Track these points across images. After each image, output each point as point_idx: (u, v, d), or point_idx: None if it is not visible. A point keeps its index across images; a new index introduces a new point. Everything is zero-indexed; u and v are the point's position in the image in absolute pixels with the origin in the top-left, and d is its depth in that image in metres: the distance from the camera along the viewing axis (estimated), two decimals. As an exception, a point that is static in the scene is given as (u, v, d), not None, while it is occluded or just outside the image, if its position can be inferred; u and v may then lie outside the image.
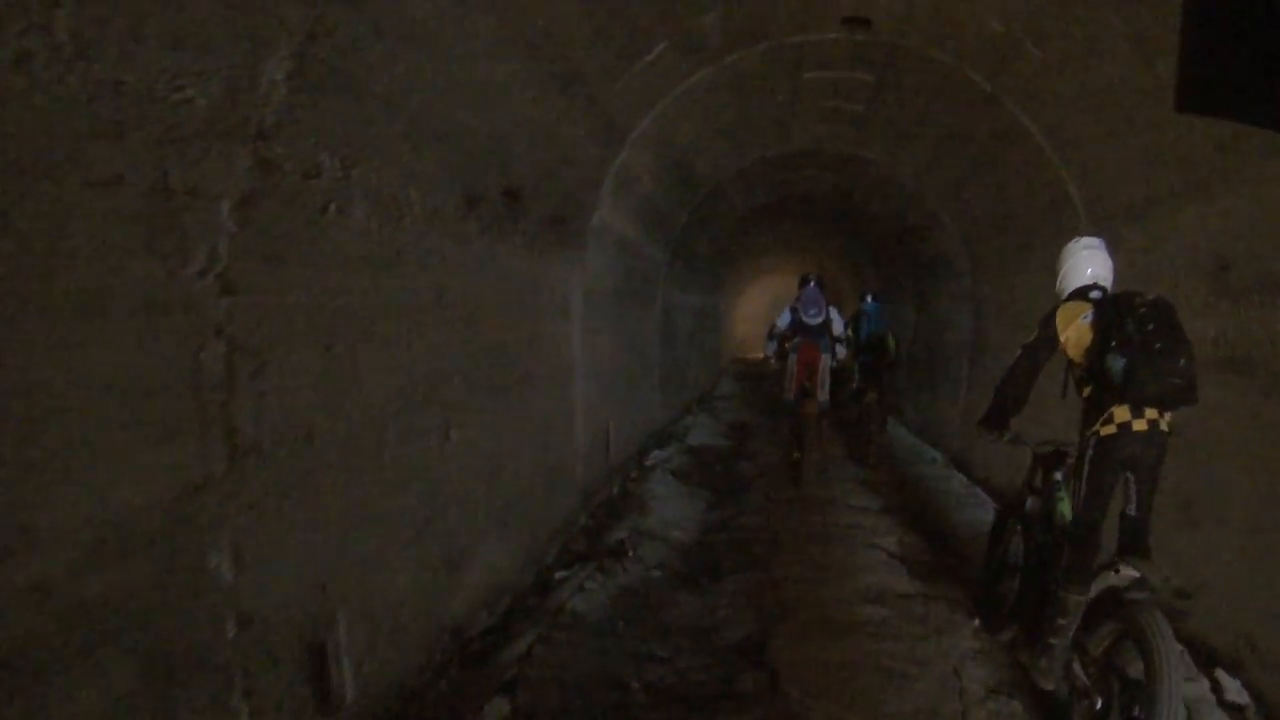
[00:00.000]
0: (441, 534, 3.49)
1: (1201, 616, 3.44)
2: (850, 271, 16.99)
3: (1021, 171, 6.10)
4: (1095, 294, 3.19)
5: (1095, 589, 3.03)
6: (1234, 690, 3.30)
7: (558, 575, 4.70)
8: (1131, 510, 3.01)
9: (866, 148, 8.41)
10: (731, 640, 3.83)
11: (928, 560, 5.13)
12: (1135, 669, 2.70)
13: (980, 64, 5.20)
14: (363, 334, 2.93)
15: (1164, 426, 2.92)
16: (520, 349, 4.51)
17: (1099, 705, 2.87)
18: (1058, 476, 3.46)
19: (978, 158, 6.74)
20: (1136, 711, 2.66)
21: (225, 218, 2.22)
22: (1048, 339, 3.23)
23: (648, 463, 8.04)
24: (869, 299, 8.88)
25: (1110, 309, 2.97)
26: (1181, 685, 2.50)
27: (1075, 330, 3.14)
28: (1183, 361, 2.75)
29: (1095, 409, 3.05)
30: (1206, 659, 3.54)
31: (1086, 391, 3.15)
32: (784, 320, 7.34)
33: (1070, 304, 3.23)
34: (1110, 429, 2.95)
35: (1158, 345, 2.76)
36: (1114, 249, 3.46)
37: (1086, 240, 3.35)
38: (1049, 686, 3.19)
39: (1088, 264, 3.26)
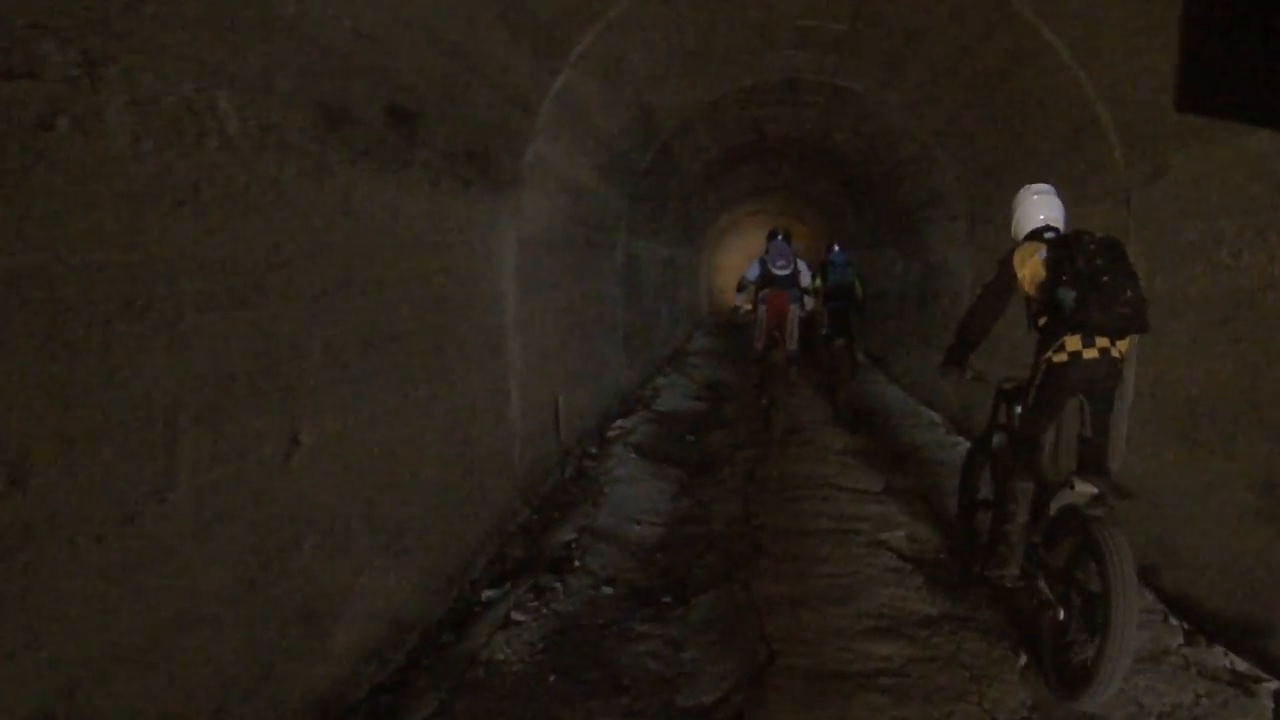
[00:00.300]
0: (293, 577, 2.56)
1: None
2: (830, 218, 16.02)
3: (1036, 97, 5.14)
4: (1049, 234, 3.38)
5: (1055, 507, 3.17)
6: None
7: (485, 595, 3.80)
8: (1087, 432, 3.22)
9: (850, 76, 7.39)
10: (701, 702, 2.90)
11: (947, 562, 4.27)
12: (1095, 582, 2.80)
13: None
14: (127, 307, 1.95)
15: (1115, 354, 3.09)
16: (422, 315, 3.53)
17: (1061, 616, 3.01)
18: (1018, 410, 3.56)
19: (981, 84, 5.75)
20: (1097, 622, 2.75)
21: None
22: (1006, 277, 3.44)
23: (610, 433, 7.13)
24: (835, 249, 9.13)
25: (1062, 247, 3.14)
26: (1136, 597, 2.64)
27: (1030, 268, 3.31)
28: (1129, 293, 2.92)
29: (1049, 338, 3.21)
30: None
31: (1042, 323, 3.28)
32: (753, 272, 7.52)
33: (1026, 244, 3.43)
34: (1062, 356, 3.13)
35: (1105, 279, 2.92)
36: (1157, 179, 3.55)
37: (1037, 187, 3.58)
38: (1010, 574, 3.35)
39: (1039, 209, 3.50)
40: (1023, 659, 3.22)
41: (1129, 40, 3.75)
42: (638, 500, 5.23)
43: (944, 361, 3.79)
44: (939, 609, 3.66)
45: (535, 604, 3.59)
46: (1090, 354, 3.07)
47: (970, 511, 4.14)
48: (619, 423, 7.47)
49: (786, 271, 7.33)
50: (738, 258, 23.09)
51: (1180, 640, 3.37)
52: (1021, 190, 3.62)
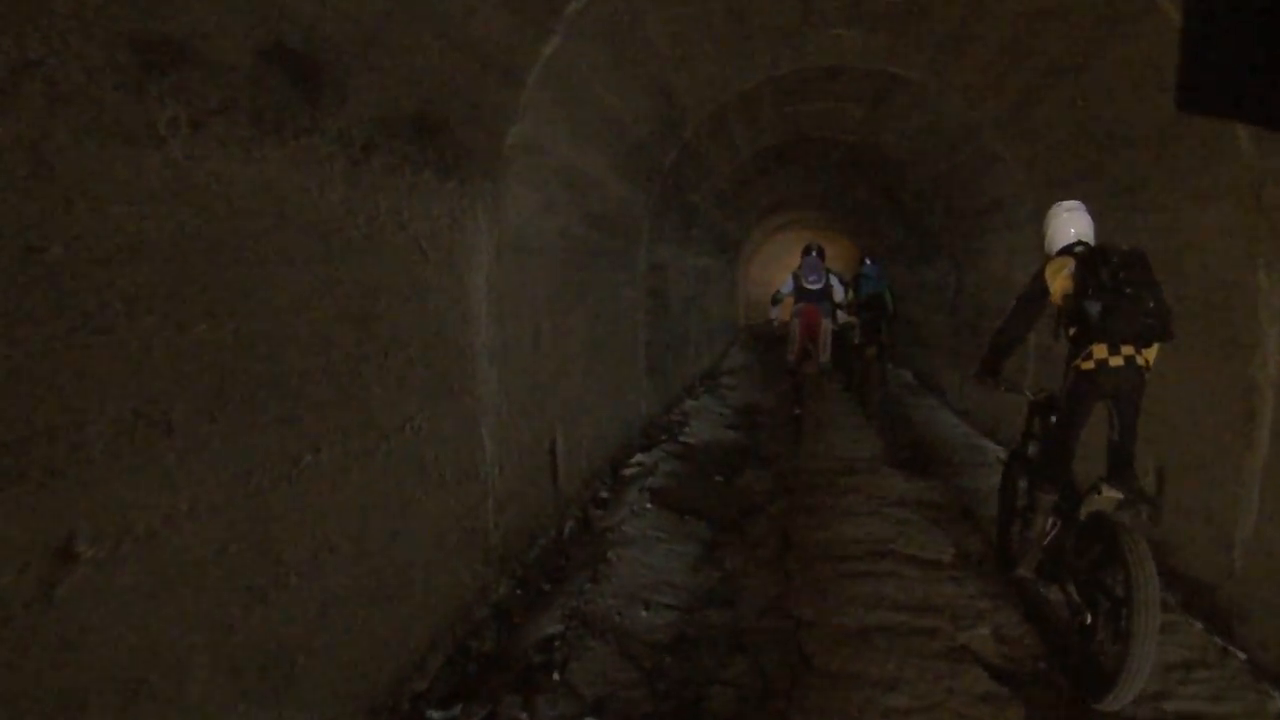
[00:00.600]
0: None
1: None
2: (873, 230, 14.87)
3: (1132, 75, 4.07)
4: (1079, 249, 3.45)
5: (1084, 511, 3.26)
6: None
7: (431, 719, 2.80)
8: (1115, 436, 3.26)
9: (902, 61, 6.32)
10: None
11: (1054, 682, 3.17)
12: (1119, 587, 2.85)
13: None
14: None
15: (1140, 361, 3.17)
16: (331, 344, 2.55)
17: (1088, 620, 3.10)
18: (1052, 419, 3.64)
19: (1060, 61, 4.66)
20: (1122, 627, 2.79)
21: None
22: (1038, 290, 3.57)
23: (626, 471, 6.11)
24: (868, 262, 9.67)
25: (1089, 260, 3.24)
26: (1157, 602, 2.72)
27: (1060, 281, 3.43)
28: (1152, 303, 3.04)
29: (1077, 347, 3.32)
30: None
31: (1071, 333, 3.39)
32: (787, 286, 7.83)
33: (1057, 259, 3.54)
34: (1089, 364, 3.22)
35: (1128, 290, 3.04)
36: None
37: (1068, 204, 3.67)
38: (1027, 574, 3.65)
39: (1069, 225, 3.59)
40: None
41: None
42: (649, 570, 4.19)
43: (977, 372, 3.96)
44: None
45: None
46: (1116, 361, 3.16)
47: (1009, 518, 4.20)
48: (638, 458, 6.44)
49: (819, 286, 7.58)
50: (774, 270, 22.03)
51: None
52: (1054, 207, 3.72)
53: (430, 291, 3.21)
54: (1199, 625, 3.62)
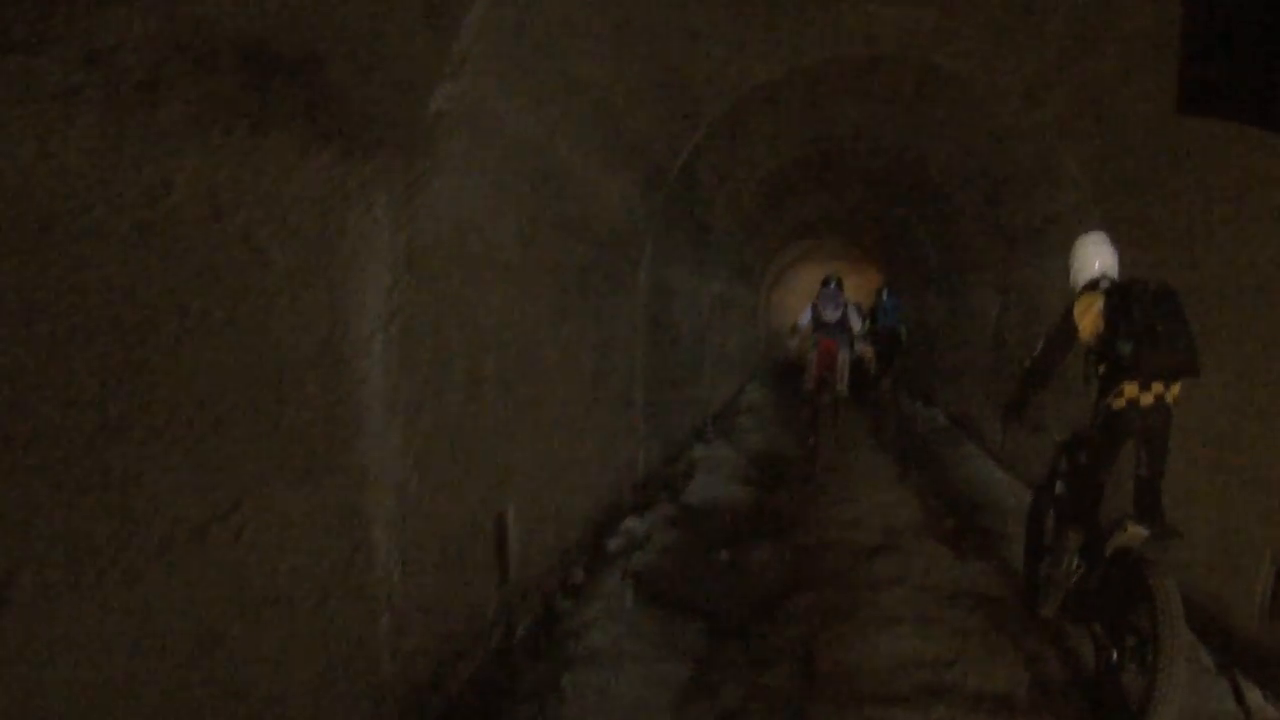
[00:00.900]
0: None
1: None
2: (906, 255, 13.70)
3: None
4: (1104, 284, 3.46)
5: (1110, 549, 3.21)
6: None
7: None
8: (1143, 472, 3.27)
9: (949, 50, 5.28)
10: None
11: None
12: (1145, 625, 2.84)
13: None
14: None
15: (1169, 399, 3.19)
16: (45, 395, 1.43)
17: (1114, 658, 3.07)
18: (1080, 459, 3.60)
19: (1147, 32, 3.54)
20: (1149, 664, 2.78)
21: None
22: (1067, 329, 3.55)
23: (610, 544, 4.95)
24: (885, 294, 9.97)
25: (1118, 297, 3.26)
26: (1184, 642, 2.68)
27: (1090, 319, 3.41)
28: (1182, 340, 3.06)
29: (1108, 385, 3.29)
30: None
31: (1101, 370, 3.36)
32: (805, 318, 7.91)
33: (1085, 296, 3.52)
34: (1120, 402, 3.23)
35: (1159, 328, 3.04)
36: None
37: (1093, 236, 3.70)
38: (1048, 613, 3.62)
39: (1094, 258, 3.60)
40: None
41: None
42: (616, 709, 3.01)
43: (1005, 412, 3.99)
44: None
45: None
46: (1147, 399, 3.17)
47: (1037, 557, 4.11)
48: (628, 524, 5.28)
49: (837, 317, 7.66)
50: (797, 298, 20.85)
51: None
52: (1077, 240, 3.73)
53: (274, 314, 2.09)
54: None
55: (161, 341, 1.74)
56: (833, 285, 7.92)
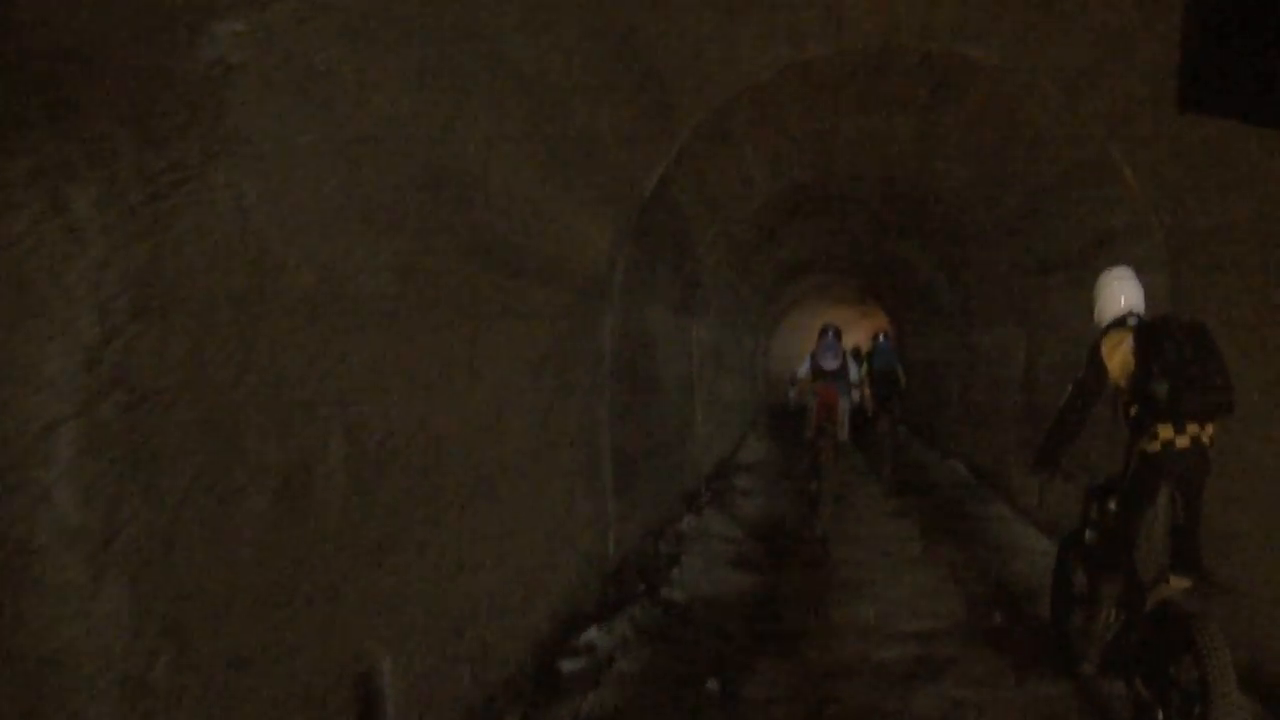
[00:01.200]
0: None
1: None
2: (913, 294, 12.68)
3: None
4: (1132, 320, 3.31)
5: (1150, 602, 3.09)
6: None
7: None
8: (1180, 520, 3.08)
9: (976, 35, 4.31)
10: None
11: None
12: (1191, 680, 2.74)
13: None
14: None
15: (1205, 440, 3.02)
16: None
17: (1159, 717, 2.93)
18: (1111, 506, 3.43)
19: None
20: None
21: None
22: (1096, 371, 3.35)
23: (564, 668, 3.77)
24: (881, 338, 10.39)
25: (1149, 335, 3.09)
26: (1235, 696, 2.58)
27: (1119, 358, 3.25)
28: (1219, 379, 2.89)
29: (1140, 428, 3.13)
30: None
31: (1133, 412, 3.20)
32: (804, 368, 7.92)
33: (1112, 334, 3.35)
34: (1154, 445, 3.05)
35: (1194, 368, 2.89)
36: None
37: (1118, 271, 3.53)
38: (1088, 670, 3.47)
39: (1120, 293, 3.44)
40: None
41: None
42: None
43: (1035, 462, 3.74)
44: None
45: None
46: (1183, 442, 3.01)
47: (1066, 610, 3.93)
48: (591, 636, 4.09)
49: (835, 365, 7.68)
50: (797, 343, 19.78)
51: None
52: (1101, 275, 3.58)
53: None
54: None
55: None
56: (830, 335, 7.95)
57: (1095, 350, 3.39)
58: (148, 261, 1.61)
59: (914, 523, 7.25)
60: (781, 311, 18.70)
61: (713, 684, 3.70)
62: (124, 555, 1.55)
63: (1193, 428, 3.01)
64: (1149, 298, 5.16)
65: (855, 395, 8.05)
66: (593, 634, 4.13)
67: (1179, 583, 3.00)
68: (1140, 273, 5.46)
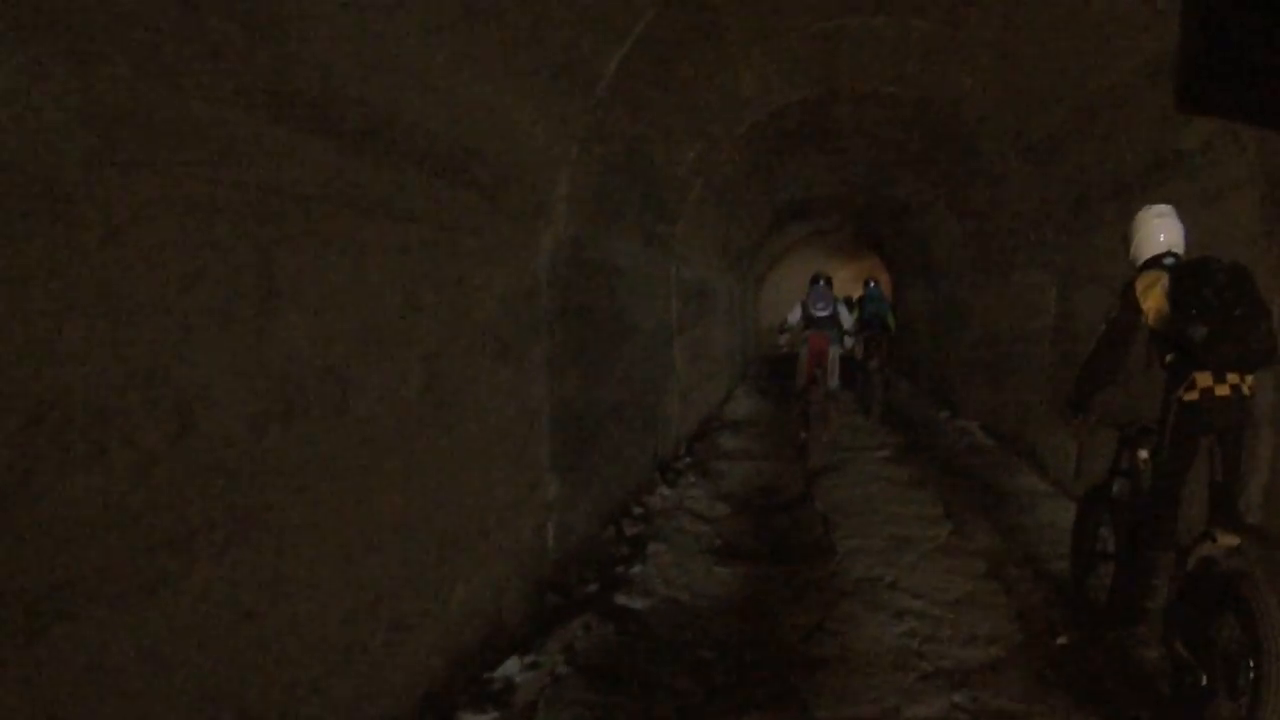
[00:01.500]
0: None
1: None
2: (918, 240, 11.48)
3: None
4: (1169, 260, 3.16)
5: (1191, 561, 2.90)
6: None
7: None
8: (1219, 476, 2.97)
9: None
10: None
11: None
12: (1235, 641, 2.59)
13: None
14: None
15: (1246, 390, 2.89)
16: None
17: (1204, 681, 2.73)
18: (1144, 454, 3.33)
19: None
20: (1241, 684, 2.52)
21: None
22: (1130, 310, 3.21)
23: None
24: (872, 284, 10.51)
25: (1188, 277, 2.92)
26: None
27: (1154, 300, 3.10)
28: (1263, 326, 2.76)
29: (1177, 375, 3.00)
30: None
31: (1168, 359, 3.07)
32: (795, 315, 7.99)
33: (1148, 273, 3.19)
34: (1193, 394, 2.92)
35: (1237, 312, 2.75)
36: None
37: (1158, 209, 3.34)
38: (1151, 654, 3.29)
39: (1159, 231, 3.27)
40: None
41: None
42: None
43: (1065, 408, 3.52)
44: None
45: None
46: (1222, 391, 2.86)
47: (1089, 567, 3.77)
48: (507, 670, 2.98)
49: (826, 313, 7.75)
50: (785, 294, 18.64)
51: None
52: (1140, 211, 3.38)
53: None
54: None
55: None
56: (821, 283, 8.11)
57: (1129, 288, 3.22)
58: None
59: (933, 495, 6.11)
60: (774, 258, 17.49)
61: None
62: None
63: (1233, 376, 2.88)
64: (1228, 231, 4.13)
65: (848, 342, 8.23)
66: (511, 668, 3.01)
67: (1226, 539, 2.77)
68: (1221, 200, 4.39)
